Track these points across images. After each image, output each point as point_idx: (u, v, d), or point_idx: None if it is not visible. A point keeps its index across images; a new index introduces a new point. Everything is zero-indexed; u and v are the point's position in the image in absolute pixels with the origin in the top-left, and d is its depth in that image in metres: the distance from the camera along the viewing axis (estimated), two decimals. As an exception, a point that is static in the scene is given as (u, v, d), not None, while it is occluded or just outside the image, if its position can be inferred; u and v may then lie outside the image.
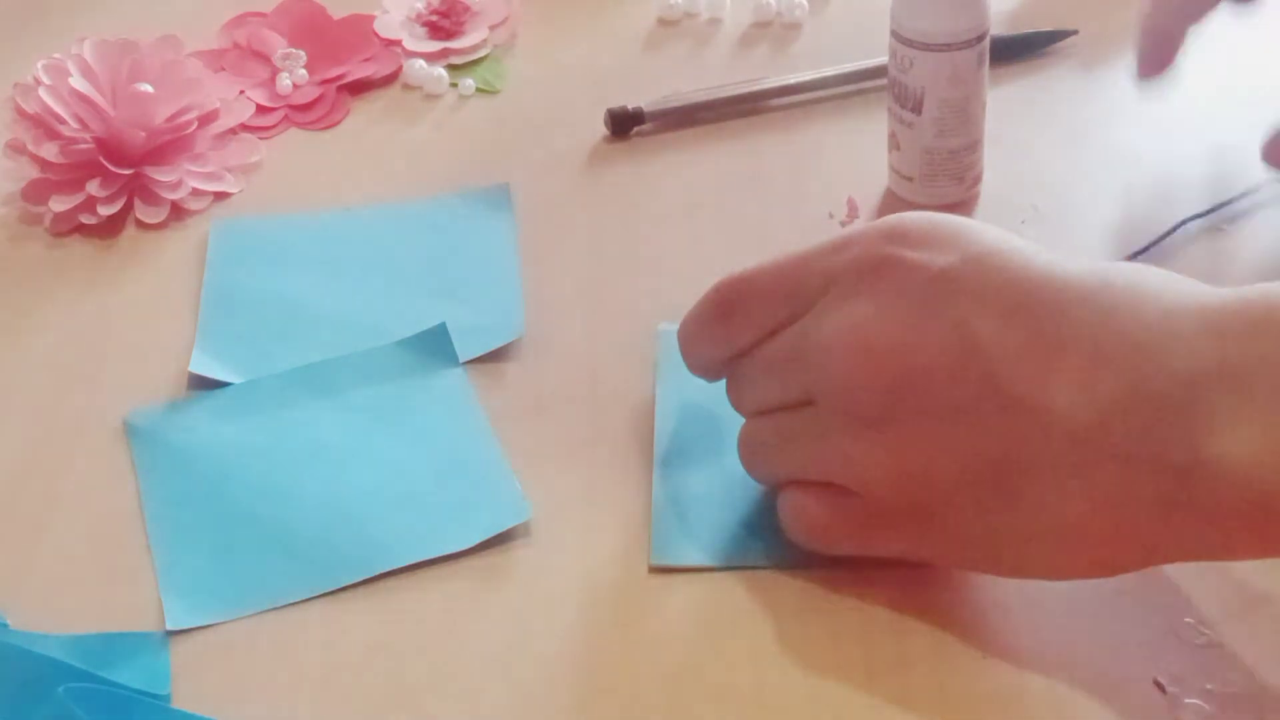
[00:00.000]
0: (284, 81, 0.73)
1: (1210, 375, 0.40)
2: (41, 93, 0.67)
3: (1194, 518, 0.40)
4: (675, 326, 0.56)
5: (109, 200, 0.66)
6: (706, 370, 0.51)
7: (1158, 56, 0.60)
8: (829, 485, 0.46)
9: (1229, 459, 0.39)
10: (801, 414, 0.46)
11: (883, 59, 0.63)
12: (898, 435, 0.44)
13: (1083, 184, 0.64)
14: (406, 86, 0.74)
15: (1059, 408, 0.41)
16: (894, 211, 0.63)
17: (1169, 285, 0.42)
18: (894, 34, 0.60)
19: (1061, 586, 0.46)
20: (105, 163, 0.66)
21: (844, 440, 0.45)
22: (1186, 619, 0.46)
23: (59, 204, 0.66)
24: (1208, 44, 0.61)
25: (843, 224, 0.63)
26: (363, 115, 0.73)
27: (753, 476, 0.50)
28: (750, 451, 0.49)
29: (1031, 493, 0.42)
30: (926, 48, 0.59)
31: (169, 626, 0.49)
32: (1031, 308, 0.43)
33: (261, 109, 0.73)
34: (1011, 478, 0.42)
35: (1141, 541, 0.42)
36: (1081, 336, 0.42)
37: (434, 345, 0.58)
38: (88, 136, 0.66)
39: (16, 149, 0.68)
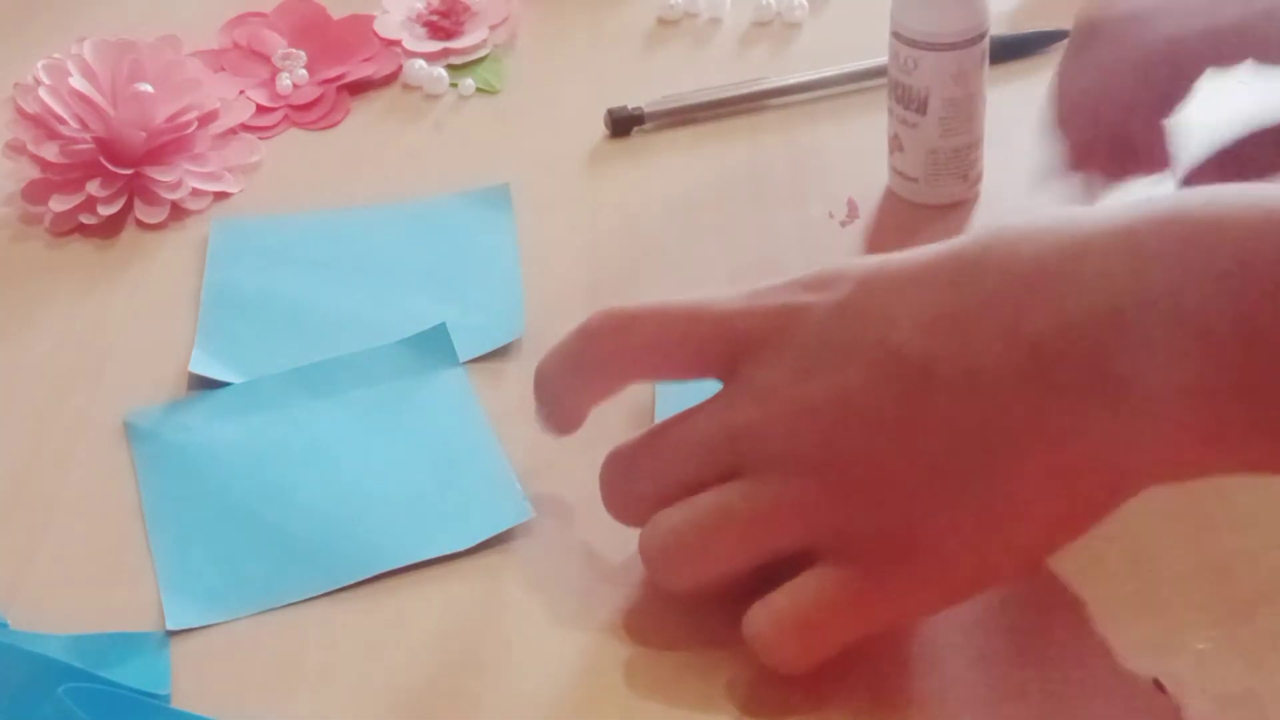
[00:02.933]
0: (284, 81, 0.73)
1: (1135, 301, 0.39)
2: (41, 93, 0.67)
3: (1149, 444, 0.40)
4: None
5: (109, 200, 0.66)
6: (560, 422, 0.49)
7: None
8: (793, 581, 0.43)
9: (1175, 383, 0.39)
10: (739, 486, 0.44)
11: (883, 59, 0.63)
12: (857, 470, 0.42)
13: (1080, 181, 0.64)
14: (406, 86, 0.74)
15: (991, 368, 0.41)
16: (895, 212, 0.63)
17: (1066, 218, 0.42)
18: (896, 35, 0.60)
19: (1061, 587, 0.46)
20: (105, 163, 0.66)
21: (803, 497, 0.43)
22: (1187, 619, 0.46)
23: (59, 204, 0.66)
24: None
25: (842, 224, 0.63)
26: (363, 115, 0.73)
27: (681, 584, 0.45)
28: (666, 545, 0.45)
29: (994, 465, 0.41)
30: (931, 47, 0.59)
31: (169, 626, 0.49)
32: (928, 295, 0.42)
33: (261, 109, 0.73)
34: (972, 457, 0.41)
35: (1103, 479, 0.41)
36: (988, 297, 0.41)
37: (434, 345, 0.58)
38: (88, 136, 0.66)
39: (16, 149, 0.68)
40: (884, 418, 0.42)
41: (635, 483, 0.47)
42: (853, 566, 0.43)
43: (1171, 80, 0.54)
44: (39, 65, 0.68)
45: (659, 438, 0.47)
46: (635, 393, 0.56)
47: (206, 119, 0.70)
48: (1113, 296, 0.40)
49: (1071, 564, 0.47)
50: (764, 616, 0.44)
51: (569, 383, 0.48)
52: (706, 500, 0.44)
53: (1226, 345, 0.39)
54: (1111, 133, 0.56)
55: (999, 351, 0.41)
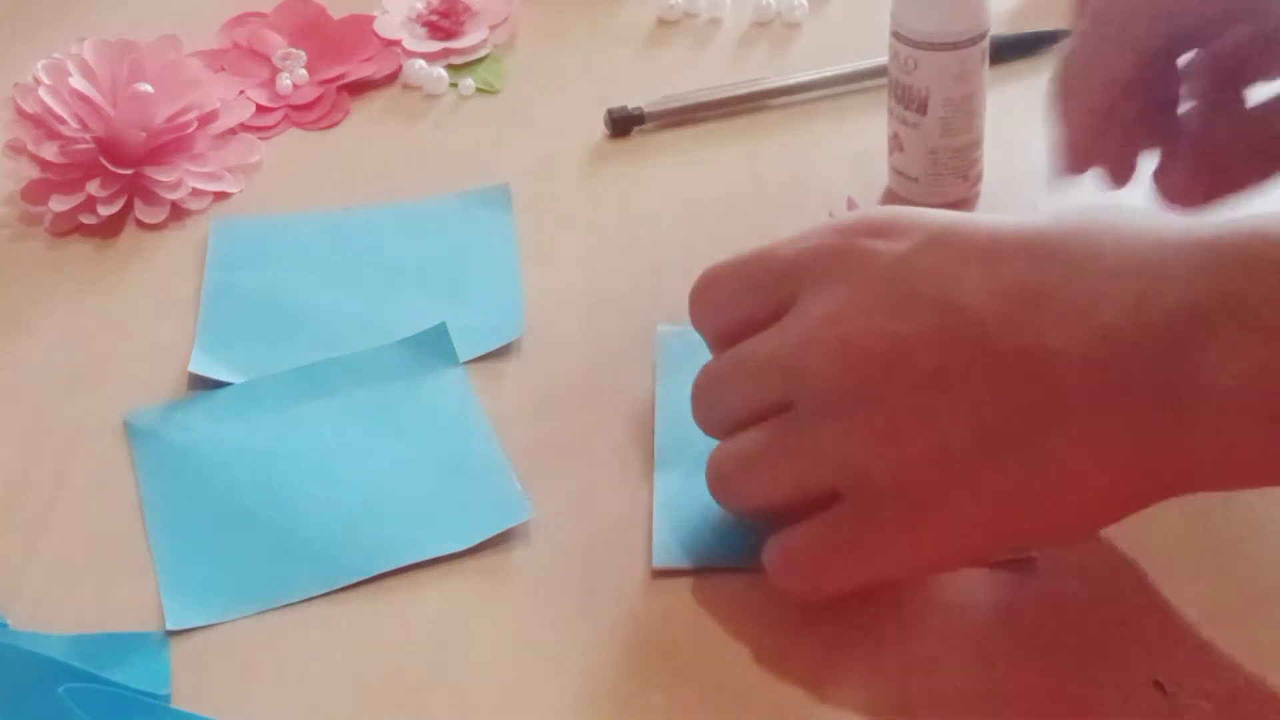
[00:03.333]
0: (284, 81, 0.73)
1: (1211, 307, 0.40)
2: (41, 93, 0.67)
3: (1200, 447, 0.40)
4: (675, 327, 0.56)
5: (109, 200, 0.66)
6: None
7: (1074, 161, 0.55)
8: (814, 519, 0.45)
9: (1234, 388, 0.39)
10: (779, 422, 0.45)
11: (883, 59, 0.63)
12: (888, 414, 0.43)
13: (1083, 183, 0.64)
14: (406, 86, 0.74)
15: (1056, 348, 0.41)
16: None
17: (1151, 221, 0.42)
18: (896, 35, 0.60)
19: (1061, 586, 0.46)
20: (105, 163, 0.66)
21: (832, 436, 0.43)
22: (1186, 619, 0.46)
23: (59, 204, 0.66)
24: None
25: (843, 224, 0.63)
26: (363, 115, 0.73)
27: (729, 508, 0.48)
28: (725, 476, 0.47)
29: (1036, 439, 0.41)
30: (932, 47, 0.59)
31: (169, 626, 0.49)
32: (1007, 264, 0.42)
33: (261, 109, 0.73)
34: (1014, 428, 0.42)
35: (1150, 474, 0.41)
36: (1069, 279, 0.41)
37: (434, 345, 0.58)
38: (88, 136, 0.66)
39: (16, 149, 0.68)
40: (934, 371, 0.42)
41: (711, 410, 0.48)
42: (868, 513, 0.44)
43: (1167, 54, 0.53)
44: (39, 65, 0.68)
45: (730, 362, 0.47)
46: (635, 392, 0.56)
47: (206, 119, 0.70)
48: (1190, 298, 0.40)
49: (1072, 563, 0.47)
50: (776, 550, 0.46)
51: (699, 329, 0.49)
52: (752, 436, 0.46)
53: None
54: (1109, 116, 0.54)
55: (1069, 334, 0.41)
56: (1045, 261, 0.42)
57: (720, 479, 0.47)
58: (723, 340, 0.48)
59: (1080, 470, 0.41)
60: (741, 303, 0.47)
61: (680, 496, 0.51)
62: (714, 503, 0.49)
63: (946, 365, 0.42)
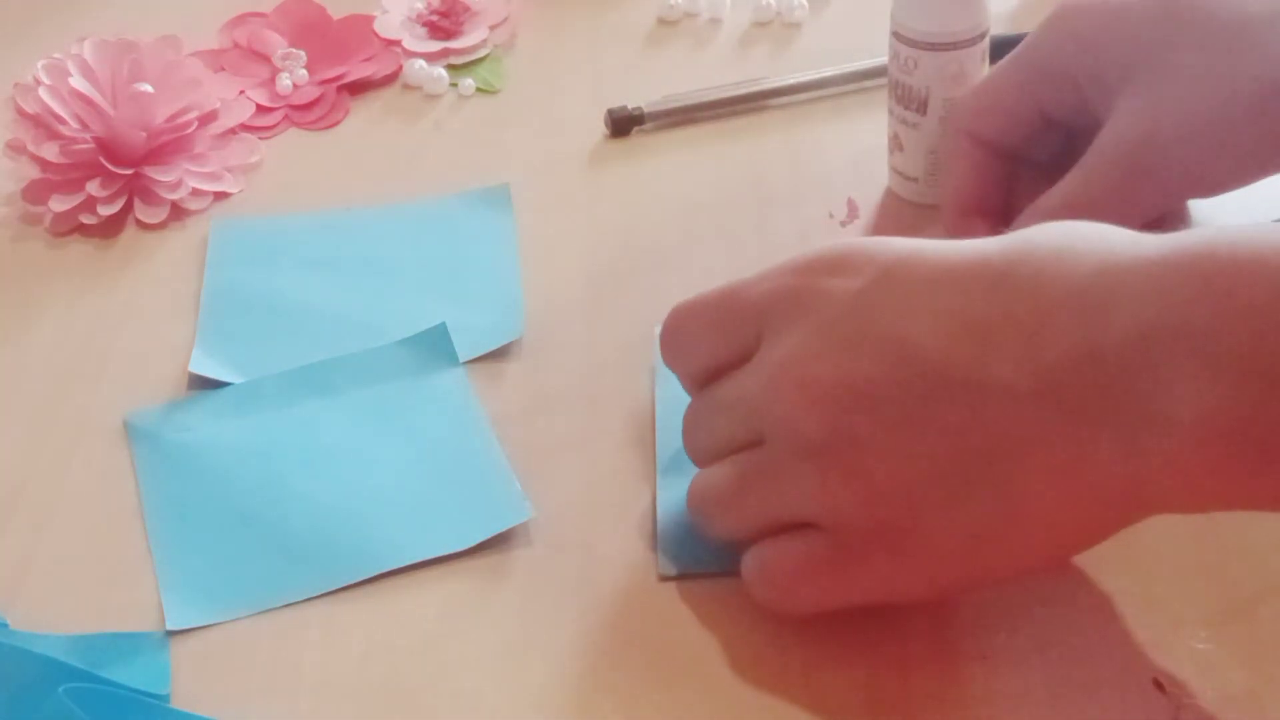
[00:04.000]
0: (284, 81, 0.73)
1: (1164, 333, 0.39)
2: (41, 93, 0.67)
3: (1158, 474, 0.40)
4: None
5: (109, 200, 0.66)
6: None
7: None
8: (791, 536, 0.45)
9: (1190, 416, 0.39)
10: (752, 457, 0.45)
11: (883, 59, 0.63)
12: (854, 456, 0.43)
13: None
14: (406, 86, 0.74)
15: (1005, 381, 0.41)
16: (895, 212, 0.63)
17: (1099, 240, 0.42)
18: (896, 35, 0.60)
19: (1061, 585, 0.46)
20: (105, 163, 0.66)
21: (801, 473, 0.44)
22: (1187, 619, 0.46)
23: (59, 204, 0.66)
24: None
25: (843, 224, 0.63)
26: (363, 115, 0.73)
27: (712, 534, 0.48)
28: (701, 509, 0.48)
29: (996, 477, 0.42)
30: (931, 47, 0.59)
31: (169, 626, 0.49)
32: (953, 298, 0.42)
33: (261, 109, 0.73)
34: (975, 467, 0.42)
35: (1114, 503, 0.41)
36: (1012, 309, 0.41)
37: (434, 345, 0.58)
38: (88, 136, 0.66)
39: (16, 149, 0.68)
40: (889, 412, 0.42)
41: (696, 447, 0.49)
42: (843, 543, 0.44)
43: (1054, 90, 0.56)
44: (39, 65, 0.68)
45: (706, 403, 0.48)
46: (635, 393, 0.56)
47: (206, 119, 0.70)
48: (1138, 326, 0.40)
49: (1072, 563, 0.47)
50: (753, 563, 0.46)
51: (668, 360, 0.50)
52: (725, 471, 0.47)
53: (1243, 383, 0.38)
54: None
55: (1015, 367, 0.41)
56: (990, 292, 0.42)
57: (697, 511, 0.48)
58: (695, 381, 0.49)
59: (1042, 504, 0.42)
60: (708, 345, 0.48)
61: (683, 503, 0.51)
62: None
63: (904, 402, 0.42)
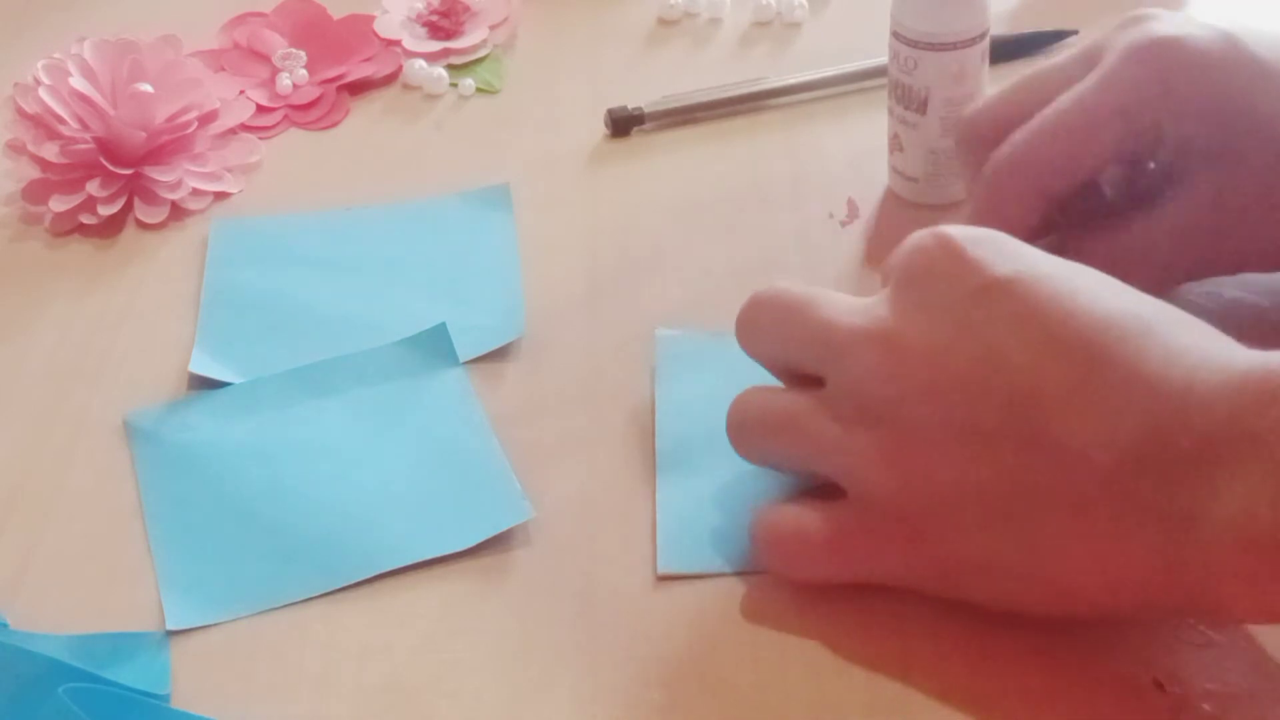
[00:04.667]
0: (284, 81, 0.73)
1: (1226, 435, 0.39)
2: (41, 93, 0.67)
3: (1192, 573, 0.40)
4: (674, 331, 0.56)
5: (109, 200, 0.66)
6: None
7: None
8: (806, 502, 0.45)
9: (1234, 518, 0.39)
10: (811, 399, 0.45)
11: (883, 59, 0.63)
12: (907, 438, 0.43)
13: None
14: (406, 86, 0.74)
15: (1078, 446, 0.41)
16: (895, 212, 0.63)
17: (1204, 339, 0.42)
18: (896, 35, 0.60)
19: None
20: (105, 163, 0.66)
21: (850, 430, 0.44)
22: (1187, 619, 0.46)
23: (59, 204, 0.66)
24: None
25: (843, 224, 0.63)
26: (363, 115, 0.73)
27: (739, 450, 0.48)
28: (744, 428, 0.48)
29: (1036, 528, 0.42)
30: (931, 47, 0.59)
31: (169, 626, 0.49)
32: (1067, 342, 0.42)
33: (261, 109, 0.73)
34: (1018, 510, 0.42)
35: (1137, 590, 0.42)
36: (1111, 380, 0.41)
37: (434, 345, 0.58)
38: (88, 136, 0.66)
39: (16, 149, 0.68)
40: (959, 415, 0.42)
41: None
42: (866, 521, 0.44)
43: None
44: (39, 65, 0.68)
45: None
46: (635, 392, 0.56)
47: (206, 119, 0.70)
48: (1211, 426, 0.40)
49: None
50: (763, 523, 0.46)
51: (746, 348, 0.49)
52: (782, 400, 0.46)
53: None
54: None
55: (1091, 433, 0.41)
56: (1097, 353, 0.42)
57: (740, 429, 0.48)
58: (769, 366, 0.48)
59: (1064, 566, 0.42)
60: (780, 353, 0.48)
61: (683, 502, 0.51)
62: (718, 509, 0.50)
63: (971, 421, 0.42)
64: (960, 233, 0.45)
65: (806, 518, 0.45)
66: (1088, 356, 0.42)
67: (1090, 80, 0.52)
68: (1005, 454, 0.42)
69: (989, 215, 0.53)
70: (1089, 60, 0.53)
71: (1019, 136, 0.53)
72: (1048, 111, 0.53)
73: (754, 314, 0.48)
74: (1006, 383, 0.42)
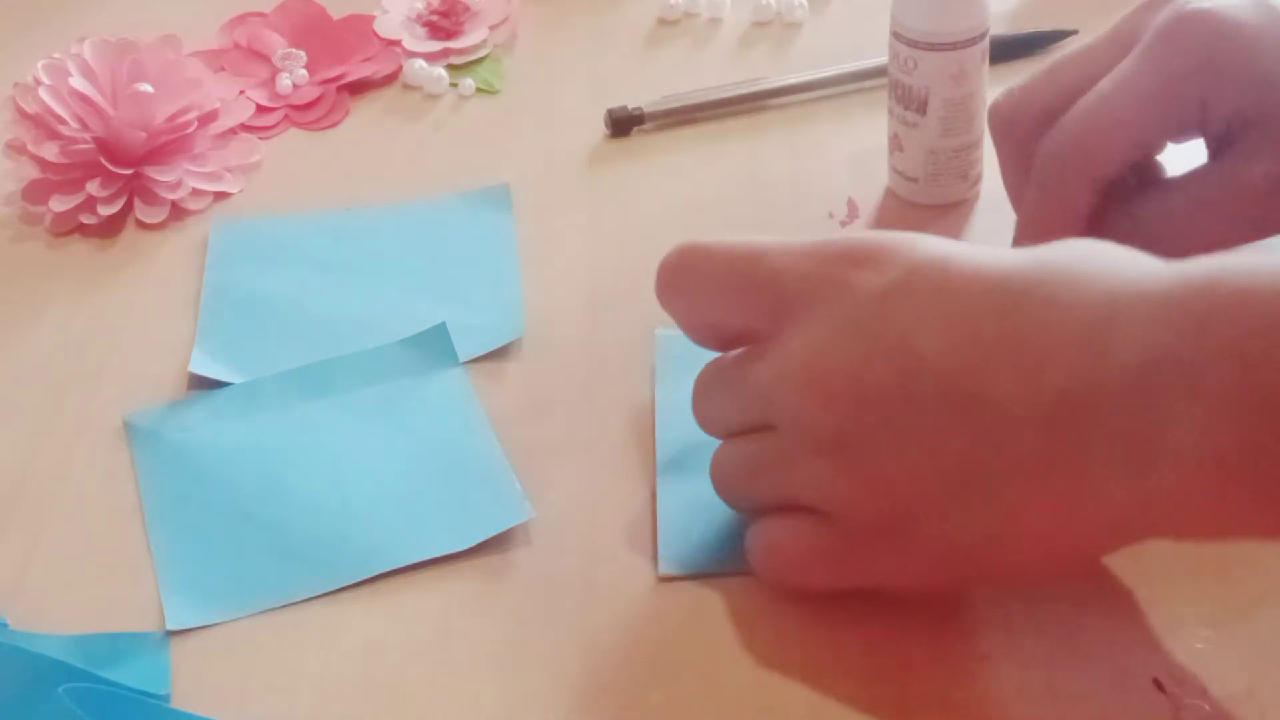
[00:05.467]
0: (284, 81, 0.73)
1: (1163, 368, 0.39)
2: (41, 93, 0.67)
3: (1158, 503, 0.40)
4: (674, 331, 0.56)
5: (109, 200, 0.66)
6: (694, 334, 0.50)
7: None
8: (799, 517, 0.45)
9: (1187, 451, 0.39)
10: (765, 439, 0.46)
11: (883, 59, 0.63)
12: (860, 455, 0.43)
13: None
14: (406, 86, 0.74)
15: (1006, 407, 0.41)
16: (895, 212, 0.63)
17: (1110, 268, 0.42)
18: (896, 35, 0.60)
19: (1061, 586, 0.46)
20: (105, 163, 0.66)
21: (809, 464, 0.44)
22: (1187, 619, 0.46)
23: (59, 204, 0.66)
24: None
25: (843, 224, 0.63)
26: (363, 115, 0.73)
27: (728, 503, 0.49)
28: (721, 477, 0.48)
29: (997, 494, 0.42)
30: (931, 48, 0.59)
31: (169, 626, 0.49)
32: (968, 314, 0.42)
33: (261, 109, 0.73)
34: (977, 480, 0.42)
35: (1106, 528, 0.42)
36: (1022, 333, 0.41)
37: (434, 345, 0.58)
38: (88, 136, 0.66)
39: (16, 149, 0.68)
40: (897, 416, 0.43)
41: (707, 416, 0.49)
42: (849, 533, 0.44)
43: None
44: (39, 65, 0.68)
45: (720, 378, 0.48)
46: (635, 392, 0.56)
47: (206, 119, 0.70)
48: (1138, 363, 0.40)
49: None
50: (759, 540, 0.47)
51: (666, 306, 0.49)
52: (743, 448, 0.47)
53: (1243, 417, 0.38)
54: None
55: (1018, 394, 0.41)
56: (1003, 317, 0.42)
57: (719, 481, 0.49)
58: (696, 330, 0.49)
59: (1035, 526, 0.42)
60: (720, 306, 0.48)
61: (683, 503, 0.51)
62: (718, 509, 0.50)
63: (911, 410, 0.42)
64: (850, 246, 0.45)
65: (800, 532, 0.46)
66: (996, 320, 0.42)
67: (1131, 61, 0.52)
68: (948, 434, 0.42)
69: (1046, 207, 0.54)
70: (1122, 42, 0.53)
71: (1067, 125, 0.53)
72: (1092, 98, 0.53)
73: (702, 390, 0.49)
74: (926, 373, 0.42)
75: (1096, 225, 0.54)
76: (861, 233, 0.46)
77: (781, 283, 0.46)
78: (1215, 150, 0.54)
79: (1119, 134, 0.53)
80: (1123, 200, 0.54)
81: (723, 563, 0.49)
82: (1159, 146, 0.54)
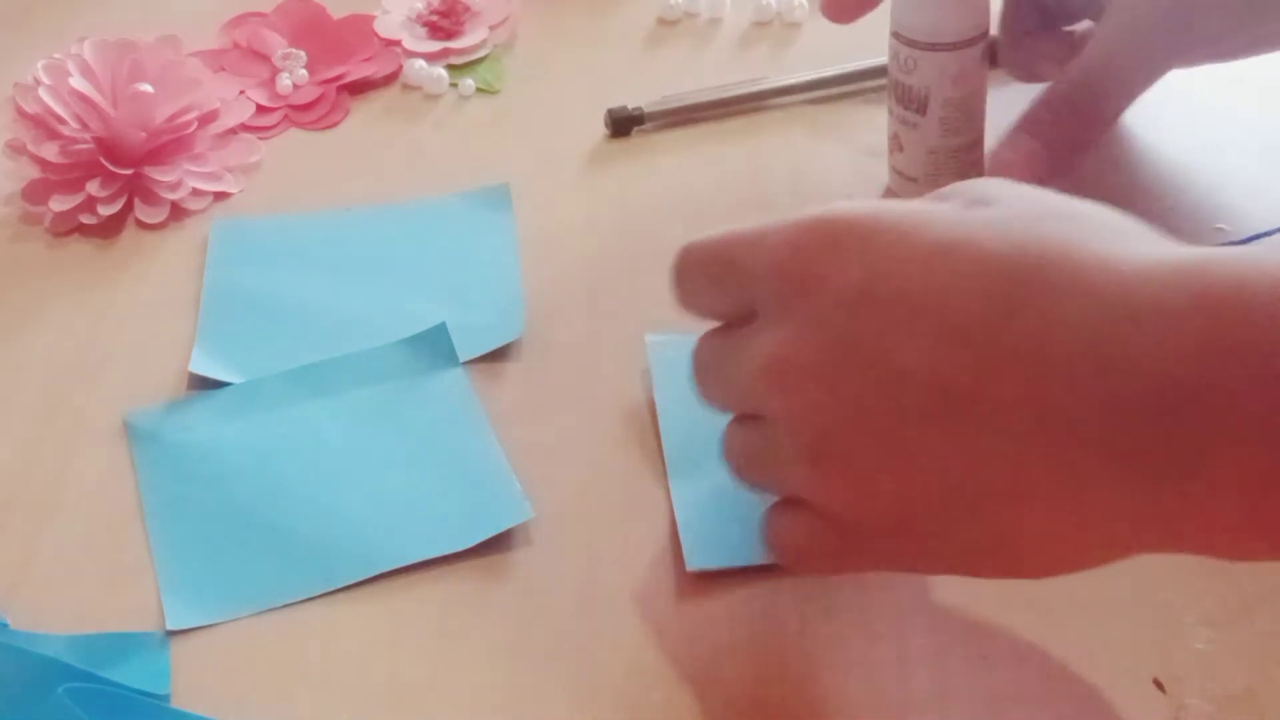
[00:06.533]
0: (284, 81, 0.73)
1: (1178, 383, 0.37)
2: (41, 93, 0.67)
3: (1176, 522, 0.39)
4: (662, 336, 0.56)
5: (109, 200, 0.66)
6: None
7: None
8: (799, 510, 0.45)
9: (1215, 471, 0.37)
10: (760, 429, 0.45)
11: (883, 59, 0.63)
12: (848, 465, 0.42)
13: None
14: (406, 86, 0.74)
15: (1006, 421, 0.39)
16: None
17: (1113, 248, 0.40)
18: (895, 35, 0.60)
19: (1061, 586, 0.46)
20: (105, 163, 0.66)
21: (797, 466, 0.43)
22: (1187, 619, 0.46)
23: (59, 204, 0.66)
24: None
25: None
26: (363, 115, 0.73)
27: (740, 483, 0.48)
28: (732, 456, 0.48)
29: (988, 512, 0.41)
30: (931, 48, 0.59)
31: (169, 626, 0.49)
32: (958, 312, 0.40)
33: (261, 109, 0.73)
34: (968, 497, 0.41)
35: (1115, 541, 0.41)
36: (1020, 344, 0.39)
37: (434, 345, 0.58)
38: (88, 136, 0.66)
39: (16, 149, 0.68)
40: (881, 429, 0.41)
41: (705, 388, 0.48)
42: (844, 531, 0.44)
43: None
44: (39, 65, 0.68)
45: (714, 362, 0.47)
46: (635, 392, 0.56)
47: (206, 119, 0.70)
48: (1154, 377, 0.38)
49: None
50: (771, 525, 0.46)
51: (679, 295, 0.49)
52: (737, 435, 0.47)
53: (1271, 439, 0.37)
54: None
55: (1018, 409, 0.39)
56: (998, 310, 0.40)
57: (730, 459, 0.48)
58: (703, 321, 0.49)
59: (1037, 539, 0.41)
60: (709, 300, 0.48)
61: (699, 500, 0.51)
62: (734, 504, 0.49)
63: (895, 422, 0.41)
64: (808, 236, 0.43)
65: (800, 527, 0.45)
66: (982, 333, 0.40)
67: None
68: (936, 452, 0.41)
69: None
70: None
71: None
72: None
73: (700, 367, 0.49)
74: (911, 387, 0.41)
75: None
76: (817, 210, 0.43)
77: (756, 277, 0.44)
78: None
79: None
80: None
81: (749, 554, 0.48)
82: None
